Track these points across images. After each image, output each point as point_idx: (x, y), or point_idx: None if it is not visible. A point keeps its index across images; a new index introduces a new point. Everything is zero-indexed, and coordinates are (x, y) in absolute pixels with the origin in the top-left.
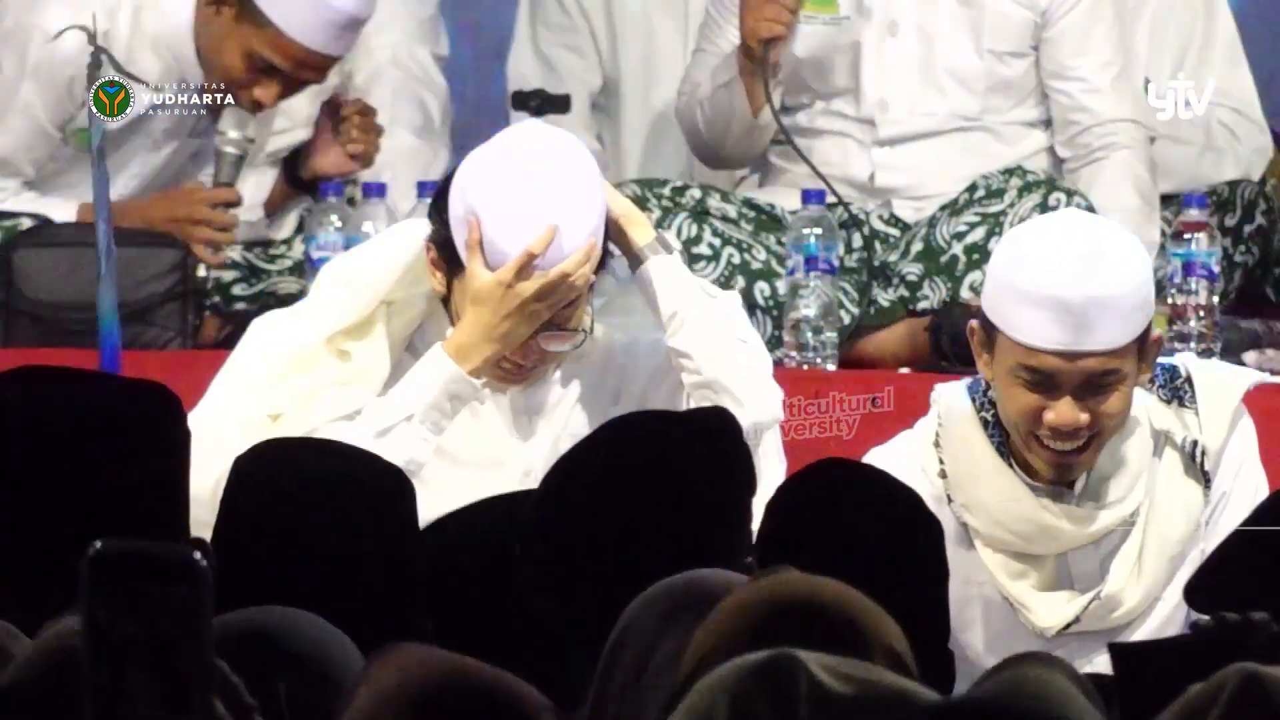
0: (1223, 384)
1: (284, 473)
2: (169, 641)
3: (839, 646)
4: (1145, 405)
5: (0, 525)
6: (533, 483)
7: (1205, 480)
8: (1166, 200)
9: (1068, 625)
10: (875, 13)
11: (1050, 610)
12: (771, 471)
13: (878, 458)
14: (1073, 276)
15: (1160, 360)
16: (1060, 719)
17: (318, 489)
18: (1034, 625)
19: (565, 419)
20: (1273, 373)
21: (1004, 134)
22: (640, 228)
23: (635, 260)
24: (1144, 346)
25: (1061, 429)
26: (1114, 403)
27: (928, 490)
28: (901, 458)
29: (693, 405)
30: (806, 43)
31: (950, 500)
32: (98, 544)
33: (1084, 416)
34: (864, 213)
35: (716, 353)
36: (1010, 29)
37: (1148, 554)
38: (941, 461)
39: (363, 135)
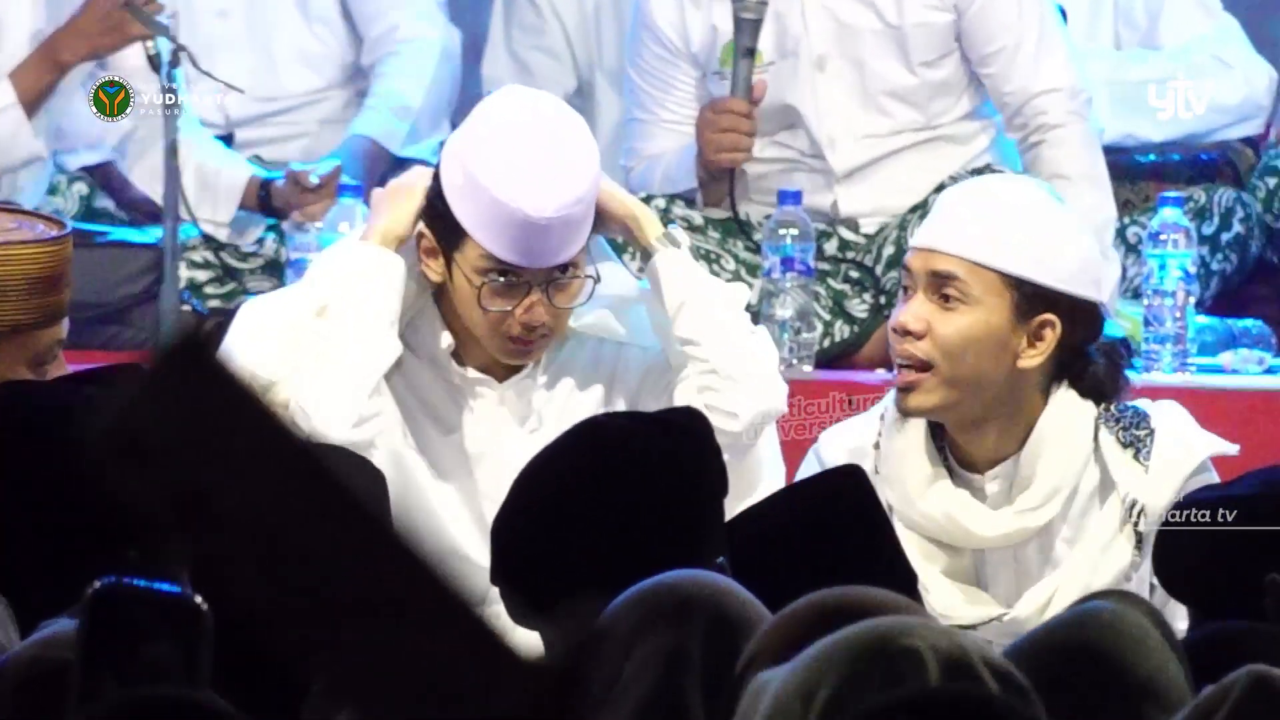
0: (1181, 449)
1: None
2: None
3: None
4: (1102, 440)
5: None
6: None
7: (1137, 540)
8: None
9: (963, 626)
10: (801, 53)
11: (951, 603)
12: (771, 474)
13: (831, 433)
14: (951, 191)
15: (1134, 403)
16: (1123, 658)
17: None
18: (930, 608)
19: (554, 420)
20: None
21: (956, 134)
22: (650, 223)
23: (645, 254)
24: (1022, 307)
25: (896, 328)
26: (953, 324)
27: (865, 463)
28: (848, 432)
29: (699, 403)
30: None
31: (877, 472)
32: (97, 584)
33: (918, 324)
34: (831, 227)
35: (724, 338)
36: (934, 36)
37: (1061, 593)
38: (880, 434)
39: (316, 207)
